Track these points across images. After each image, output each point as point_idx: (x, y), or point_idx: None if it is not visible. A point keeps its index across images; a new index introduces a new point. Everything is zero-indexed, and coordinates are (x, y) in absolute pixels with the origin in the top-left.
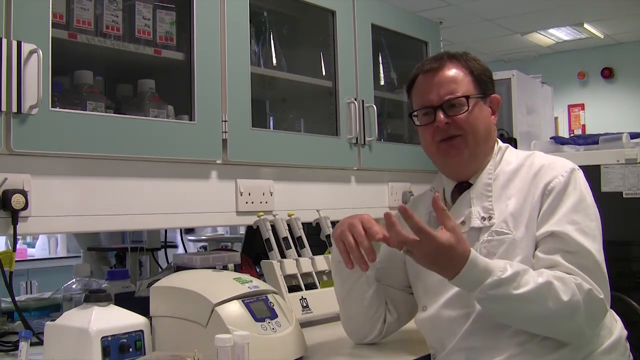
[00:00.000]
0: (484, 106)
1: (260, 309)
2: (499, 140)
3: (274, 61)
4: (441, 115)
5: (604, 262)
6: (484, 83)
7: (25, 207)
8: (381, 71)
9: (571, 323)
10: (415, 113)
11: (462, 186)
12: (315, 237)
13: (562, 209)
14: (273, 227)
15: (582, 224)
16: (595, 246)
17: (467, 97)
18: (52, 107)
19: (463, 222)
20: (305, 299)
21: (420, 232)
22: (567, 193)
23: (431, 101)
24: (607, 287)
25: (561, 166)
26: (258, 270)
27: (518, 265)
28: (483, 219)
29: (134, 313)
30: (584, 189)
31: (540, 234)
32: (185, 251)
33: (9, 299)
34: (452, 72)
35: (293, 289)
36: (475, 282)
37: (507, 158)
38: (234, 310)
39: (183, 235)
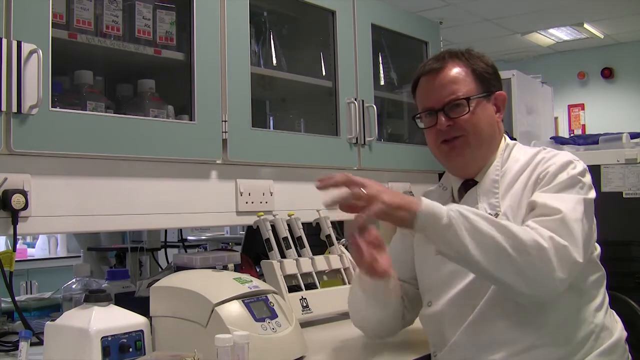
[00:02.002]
0: (488, 105)
1: (260, 309)
2: (507, 137)
3: (274, 61)
4: (442, 119)
5: (577, 222)
6: (487, 81)
7: (25, 207)
8: (381, 71)
9: (541, 262)
10: (419, 115)
11: (469, 184)
12: (315, 237)
13: (546, 188)
14: (273, 227)
15: (561, 196)
16: (567, 206)
17: (468, 99)
18: (52, 107)
19: None
20: (305, 299)
21: (350, 182)
22: (557, 177)
23: (433, 104)
24: (574, 240)
25: (558, 158)
26: (258, 270)
27: None
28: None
29: (134, 313)
30: (576, 177)
31: (525, 212)
32: (185, 251)
33: (9, 299)
34: (453, 72)
35: (293, 289)
36: (440, 209)
37: (514, 155)
38: (234, 310)
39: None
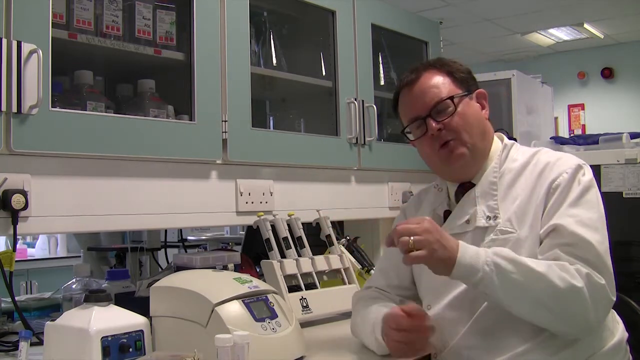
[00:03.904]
0: (471, 102)
1: (260, 309)
2: (505, 137)
3: (274, 61)
4: (432, 123)
5: (607, 253)
6: (465, 81)
7: (25, 207)
8: (381, 71)
9: (577, 306)
10: (408, 129)
11: (465, 186)
12: (315, 237)
13: (564, 204)
14: (273, 227)
15: (583, 216)
16: (596, 237)
17: (452, 98)
18: (52, 107)
19: (468, 221)
20: (305, 299)
21: (403, 224)
22: (571, 189)
23: (418, 112)
24: (610, 277)
25: (566, 163)
26: (258, 270)
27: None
28: (488, 218)
29: (134, 313)
30: (587, 184)
31: (543, 230)
32: (185, 251)
33: (9, 299)
34: (431, 78)
35: (293, 289)
36: (477, 255)
37: (512, 155)
38: (234, 310)
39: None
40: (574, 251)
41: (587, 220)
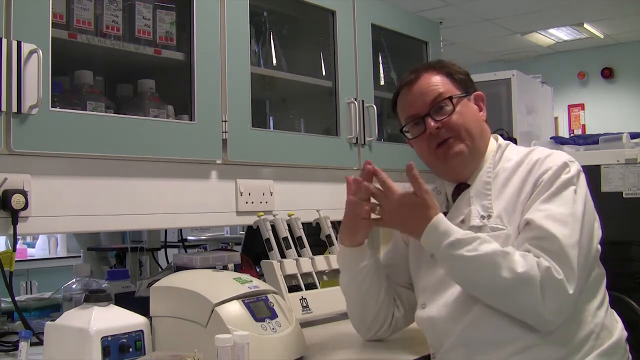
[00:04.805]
0: (469, 104)
1: (260, 309)
2: (500, 137)
3: (274, 61)
4: (431, 122)
5: (574, 248)
6: (463, 82)
7: (25, 207)
8: (381, 71)
9: (525, 297)
10: (406, 128)
11: (461, 187)
12: (315, 237)
13: (539, 199)
14: (273, 227)
15: (553, 211)
16: (562, 231)
17: (451, 98)
18: (52, 107)
19: (463, 221)
20: (305, 299)
21: (384, 184)
22: (551, 186)
23: (417, 110)
24: (572, 270)
25: (553, 160)
26: (258, 270)
27: (485, 236)
28: (482, 217)
29: (134, 313)
30: (567, 182)
31: (520, 225)
32: (185, 251)
33: (9, 299)
34: (431, 78)
35: (293, 289)
36: (436, 242)
37: (507, 155)
38: (234, 310)
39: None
40: (541, 244)
41: (557, 215)
